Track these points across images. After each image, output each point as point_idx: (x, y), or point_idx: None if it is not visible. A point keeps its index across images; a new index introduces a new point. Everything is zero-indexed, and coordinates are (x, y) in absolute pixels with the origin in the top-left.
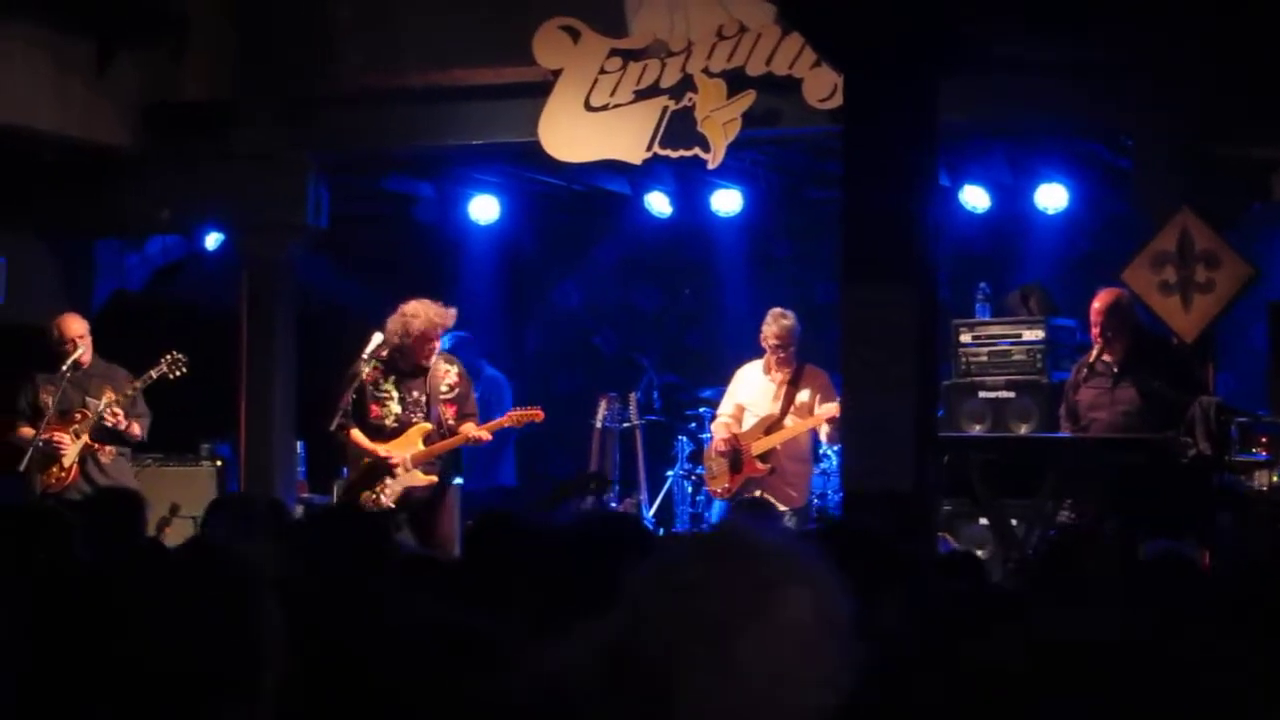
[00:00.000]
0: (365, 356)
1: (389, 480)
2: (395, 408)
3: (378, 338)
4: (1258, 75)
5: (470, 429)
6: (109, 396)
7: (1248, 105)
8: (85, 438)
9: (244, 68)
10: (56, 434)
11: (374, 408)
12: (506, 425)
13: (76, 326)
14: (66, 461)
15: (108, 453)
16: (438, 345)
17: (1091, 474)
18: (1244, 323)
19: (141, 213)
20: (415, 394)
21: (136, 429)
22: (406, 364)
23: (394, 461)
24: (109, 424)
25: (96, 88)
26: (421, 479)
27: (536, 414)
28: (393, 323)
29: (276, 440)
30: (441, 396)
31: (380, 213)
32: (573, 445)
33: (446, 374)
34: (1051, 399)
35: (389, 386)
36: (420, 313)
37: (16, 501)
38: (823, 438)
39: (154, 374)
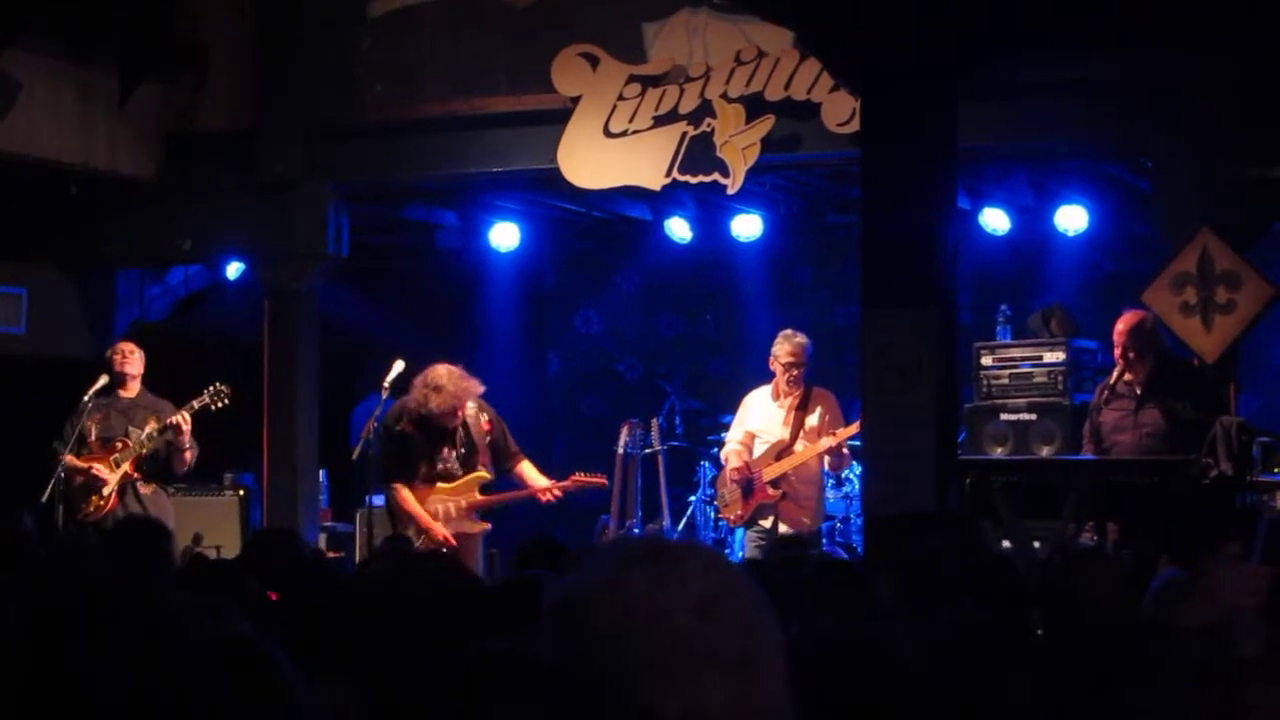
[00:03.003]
0: (387, 385)
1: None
2: (424, 466)
3: (399, 365)
4: (1277, 95)
5: (540, 481)
6: (152, 425)
7: (1267, 125)
8: (126, 467)
9: (265, 98)
10: (96, 463)
11: (412, 455)
12: (570, 488)
13: (126, 344)
14: (106, 490)
15: (148, 485)
16: (463, 411)
17: (1113, 496)
18: (1266, 342)
19: (163, 243)
20: (445, 450)
21: (189, 456)
22: (435, 424)
23: (438, 530)
24: (185, 436)
25: (118, 119)
26: (471, 528)
27: (601, 481)
28: (417, 391)
29: (300, 469)
30: (482, 443)
31: (401, 241)
32: (596, 471)
33: (478, 420)
34: (1073, 421)
35: (421, 439)
36: (445, 386)
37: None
38: (826, 465)
39: (196, 404)
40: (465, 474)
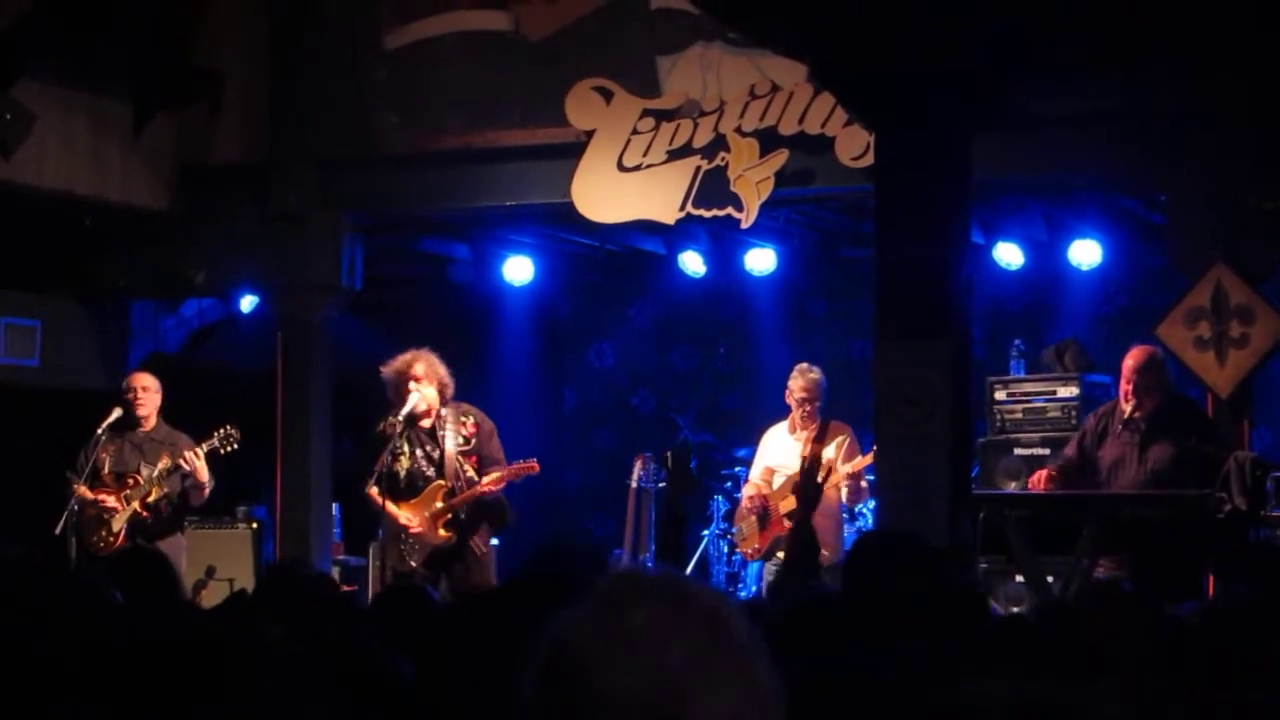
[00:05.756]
0: (400, 419)
1: (412, 542)
2: (405, 463)
3: (414, 398)
4: None
5: (486, 480)
6: (164, 463)
7: None
8: (136, 504)
9: (279, 129)
10: (107, 497)
11: (391, 462)
12: (508, 479)
13: (140, 380)
14: (115, 526)
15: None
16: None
17: (1127, 530)
18: None
19: (177, 275)
20: (427, 448)
21: (205, 492)
22: (423, 420)
23: (412, 529)
24: (187, 469)
25: (132, 150)
26: (442, 535)
27: (533, 467)
28: (436, 375)
29: (313, 502)
30: (460, 449)
31: (415, 274)
32: (610, 504)
33: (462, 425)
34: None
35: (403, 443)
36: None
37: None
38: (842, 498)
39: (205, 447)
40: (434, 480)
